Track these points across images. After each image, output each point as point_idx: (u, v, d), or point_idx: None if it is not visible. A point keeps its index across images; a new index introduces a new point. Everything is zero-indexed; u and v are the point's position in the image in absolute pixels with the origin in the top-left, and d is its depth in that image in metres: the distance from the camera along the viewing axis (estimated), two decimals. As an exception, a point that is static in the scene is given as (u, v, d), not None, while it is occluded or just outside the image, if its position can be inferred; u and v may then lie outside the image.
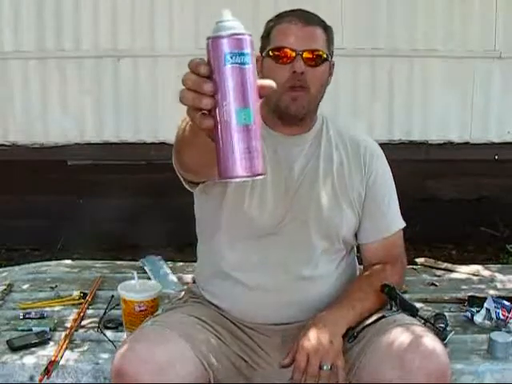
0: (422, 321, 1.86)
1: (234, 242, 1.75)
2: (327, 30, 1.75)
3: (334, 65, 1.79)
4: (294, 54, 1.67)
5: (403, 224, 1.86)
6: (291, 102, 1.69)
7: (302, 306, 1.74)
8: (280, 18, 1.74)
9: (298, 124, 1.77)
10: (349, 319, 1.64)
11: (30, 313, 2.23)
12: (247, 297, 1.74)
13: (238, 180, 1.03)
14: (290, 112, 1.71)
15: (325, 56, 1.71)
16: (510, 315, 2.13)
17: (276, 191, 1.73)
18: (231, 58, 1.00)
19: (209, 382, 1.59)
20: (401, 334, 1.55)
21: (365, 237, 1.84)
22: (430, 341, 1.52)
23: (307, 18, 1.71)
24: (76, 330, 2.13)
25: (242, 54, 1.01)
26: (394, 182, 1.87)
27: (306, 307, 1.73)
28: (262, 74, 1.70)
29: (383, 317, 1.67)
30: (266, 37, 1.74)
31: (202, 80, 1.01)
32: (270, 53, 1.69)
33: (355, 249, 1.91)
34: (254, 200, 1.72)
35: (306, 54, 1.67)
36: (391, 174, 1.87)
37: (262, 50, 1.74)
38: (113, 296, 2.31)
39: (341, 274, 1.81)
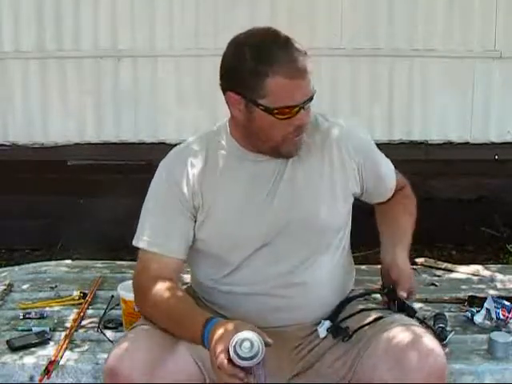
0: (418, 321, 1.86)
1: (226, 263, 1.74)
2: (307, 53, 1.63)
3: None
4: (298, 109, 1.60)
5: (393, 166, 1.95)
6: (293, 147, 1.67)
7: (299, 310, 1.74)
8: (274, 63, 1.56)
9: None
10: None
11: (29, 313, 2.23)
12: (245, 304, 1.73)
13: None
14: (291, 155, 1.69)
15: (314, 91, 1.64)
16: (510, 315, 2.13)
17: (258, 206, 1.70)
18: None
19: (204, 383, 1.60)
20: (399, 334, 1.55)
21: (376, 200, 1.95)
22: (428, 341, 1.52)
23: (303, 66, 1.58)
24: (76, 330, 2.13)
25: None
26: (374, 144, 1.87)
27: (303, 311, 1.74)
28: (250, 120, 1.63)
29: (381, 318, 1.67)
30: (257, 82, 1.57)
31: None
32: (274, 111, 1.58)
33: (350, 251, 1.90)
34: (237, 220, 1.70)
35: (306, 104, 1.62)
36: (369, 136, 1.87)
37: (246, 90, 1.59)
38: (113, 296, 2.32)
39: (336, 275, 1.79)
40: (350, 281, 1.88)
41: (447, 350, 1.95)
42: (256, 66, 1.56)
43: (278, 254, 1.71)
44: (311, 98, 1.62)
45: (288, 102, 1.58)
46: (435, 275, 2.69)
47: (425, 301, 2.35)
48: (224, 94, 1.65)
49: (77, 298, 2.36)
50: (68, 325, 2.17)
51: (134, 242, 1.77)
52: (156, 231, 1.74)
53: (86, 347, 2.04)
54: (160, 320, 1.63)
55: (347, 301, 1.80)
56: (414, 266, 2.73)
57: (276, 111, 1.58)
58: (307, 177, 1.72)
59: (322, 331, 1.72)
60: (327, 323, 1.73)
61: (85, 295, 2.37)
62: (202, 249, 1.76)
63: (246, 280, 1.72)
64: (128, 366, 1.49)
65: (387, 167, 1.91)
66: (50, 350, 2.00)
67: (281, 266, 1.71)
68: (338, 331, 1.67)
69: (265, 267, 1.71)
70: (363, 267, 2.31)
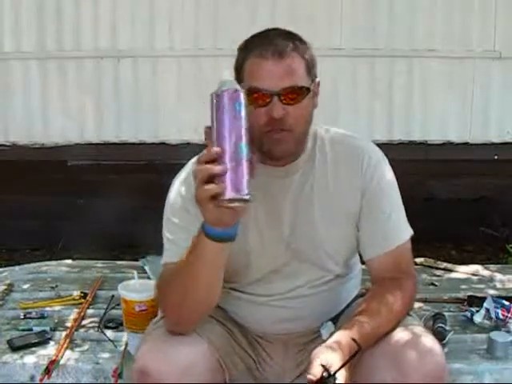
0: None
1: (239, 275, 1.70)
2: (306, 51, 1.57)
3: (319, 83, 1.62)
4: (269, 96, 1.49)
5: (409, 234, 1.70)
6: (274, 144, 1.54)
7: (304, 321, 1.74)
8: (250, 47, 1.55)
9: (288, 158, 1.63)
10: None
11: (30, 312, 2.24)
12: (252, 312, 1.73)
13: (236, 198, 1.30)
14: (274, 155, 1.58)
15: (306, 88, 1.54)
16: (509, 315, 2.14)
17: (274, 232, 1.66)
18: (237, 106, 1.31)
19: (224, 382, 1.60)
20: (398, 334, 1.53)
21: (366, 252, 1.70)
22: (427, 341, 1.50)
23: (281, 48, 1.50)
24: (76, 330, 2.14)
25: (241, 104, 1.32)
26: (397, 191, 1.71)
27: (308, 321, 1.74)
28: None
29: None
30: (238, 69, 1.56)
31: (212, 166, 1.29)
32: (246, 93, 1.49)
33: (359, 258, 1.84)
34: (252, 247, 1.66)
35: (284, 94, 1.50)
36: (394, 181, 1.72)
37: (237, 80, 1.53)
38: (113, 296, 2.32)
39: (344, 287, 1.78)
40: (356, 288, 1.86)
41: (446, 349, 1.96)
42: (240, 54, 1.57)
43: (290, 273, 1.69)
44: (297, 93, 1.52)
45: (256, 83, 1.50)
46: (435, 275, 2.70)
47: (424, 300, 2.36)
48: None
49: (77, 297, 2.37)
50: (68, 324, 2.18)
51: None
52: (177, 245, 1.61)
53: (87, 347, 2.05)
54: (178, 281, 1.50)
55: (351, 301, 1.81)
56: (414, 266, 2.73)
57: (246, 93, 1.50)
58: (323, 200, 1.66)
59: (325, 333, 1.72)
60: (329, 324, 1.73)
61: (85, 295, 2.38)
62: None
63: (256, 291, 1.71)
64: (159, 365, 1.46)
65: (392, 223, 1.67)
66: (50, 350, 2.01)
67: (291, 282, 1.70)
68: None
69: (276, 283, 1.69)
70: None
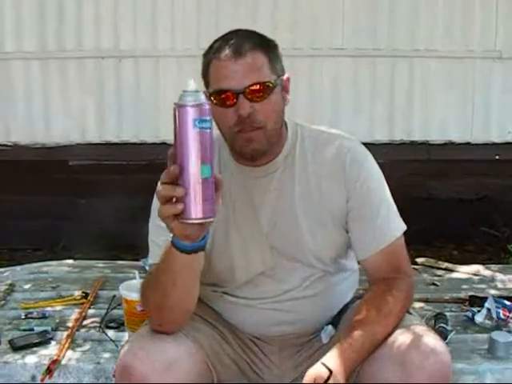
0: None
1: (228, 281, 1.71)
2: (268, 48, 1.57)
3: (289, 79, 1.62)
4: (235, 96, 1.51)
5: (401, 230, 1.67)
6: (245, 143, 1.55)
7: (300, 323, 1.73)
8: (213, 50, 1.57)
9: (262, 157, 1.62)
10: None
11: (31, 312, 2.24)
12: (246, 315, 1.72)
13: (196, 222, 1.26)
14: (246, 154, 1.58)
15: (272, 83, 1.54)
16: (510, 315, 2.14)
17: (255, 234, 1.65)
18: (198, 123, 1.23)
19: (212, 383, 1.60)
20: (401, 334, 1.53)
21: (358, 253, 1.69)
22: (430, 340, 1.50)
23: (241, 47, 1.52)
24: (78, 330, 2.14)
25: (205, 121, 1.24)
26: (384, 187, 1.68)
27: (303, 324, 1.73)
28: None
29: None
30: (204, 74, 1.60)
31: (172, 187, 1.25)
32: (212, 98, 1.53)
33: (355, 258, 1.81)
34: (235, 250, 1.66)
35: (249, 91, 1.51)
36: (381, 177, 1.69)
37: (205, 86, 1.61)
38: (114, 296, 2.32)
39: (338, 287, 1.76)
40: (352, 289, 1.84)
41: (448, 349, 1.96)
42: (204, 59, 1.61)
43: (279, 274, 1.68)
44: (262, 89, 1.52)
45: (221, 85, 1.52)
46: (436, 275, 2.70)
47: (426, 300, 2.36)
48: None
49: (78, 297, 2.37)
50: (70, 324, 2.18)
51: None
52: (159, 246, 1.61)
53: (88, 347, 2.05)
54: (156, 288, 1.52)
55: (349, 303, 1.79)
56: (415, 266, 2.73)
57: (212, 96, 1.52)
58: (305, 199, 1.65)
59: (325, 336, 1.71)
60: (330, 328, 1.72)
61: (86, 295, 2.38)
62: (206, 266, 1.74)
63: (247, 294, 1.70)
64: (142, 363, 1.47)
65: (381, 220, 1.64)
66: (51, 350, 2.01)
67: (282, 285, 1.69)
68: None
69: (267, 285, 1.69)
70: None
